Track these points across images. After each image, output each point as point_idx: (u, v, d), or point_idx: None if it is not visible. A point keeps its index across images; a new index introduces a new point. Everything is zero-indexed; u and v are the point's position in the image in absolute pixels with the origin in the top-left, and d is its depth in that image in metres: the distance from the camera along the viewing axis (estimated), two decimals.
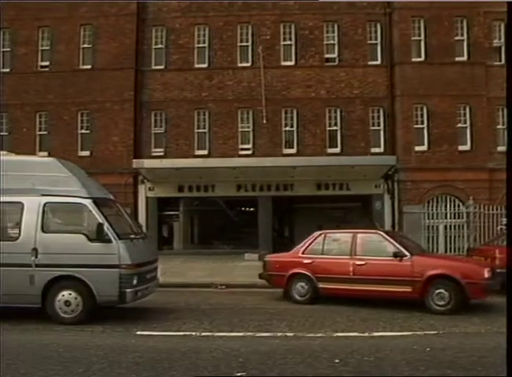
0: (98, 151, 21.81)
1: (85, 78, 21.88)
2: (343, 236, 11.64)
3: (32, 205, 9.13)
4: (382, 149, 21.75)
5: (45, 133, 22.23)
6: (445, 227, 19.32)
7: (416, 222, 19.62)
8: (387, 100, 21.69)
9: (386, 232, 11.93)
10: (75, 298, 8.84)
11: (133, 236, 9.65)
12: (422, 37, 21.54)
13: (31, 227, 9.04)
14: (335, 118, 21.96)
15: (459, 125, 21.32)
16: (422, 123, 21.40)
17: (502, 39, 21.03)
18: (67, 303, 8.85)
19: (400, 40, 21.50)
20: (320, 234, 11.93)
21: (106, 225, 8.91)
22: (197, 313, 9.88)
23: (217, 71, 22.19)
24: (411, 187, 20.95)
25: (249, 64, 22.15)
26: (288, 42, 22.19)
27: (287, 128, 22.03)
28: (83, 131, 22.20)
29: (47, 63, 22.42)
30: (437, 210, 20.20)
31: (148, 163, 20.57)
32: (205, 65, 22.35)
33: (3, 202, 9.18)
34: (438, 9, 21.12)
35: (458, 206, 20.62)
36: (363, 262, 10.72)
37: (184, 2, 22.32)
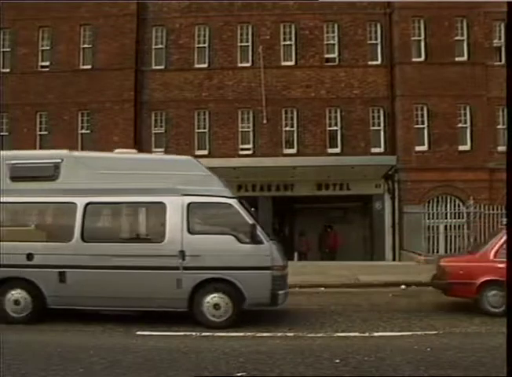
0: (98, 152, 21.75)
1: (85, 78, 21.88)
2: None
3: (175, 205, 8.75)
4: (382, 149, 21.75)
5: (45, 133, 22.21)
6: (445, 227, 19.32)
7: (416, 222, 19.61)
8: (387, 100, 21.68)
9: None
10: (225, 302, 8.52)
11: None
12: (422, 37, 21.53)
13: (176, 228, 8.66)
14: (335, 118, 21.95)
15: (459, 125, 21.33)
16: (423, 123, 21.40)
17: (503, 39, 21.00)
18: (216, 306, 8.51)
19: (400, 40, 21.50)
20: None
21: (258, 227, 8.62)
22: None
23: (217, 71, 22.19)
24: (411, 187, 20.95)
25: (249, 64, 22.15)
26: (288, 42, 22.18)
27: (287, 128, 22.02)
28: (83, 131, 22.20)
29: (47, 63, 22.41)
30: (437, 210, 20.20)
31: None
32: (205, 65, 22.35)
33: (145, 202, 8.98)
34: (438, 9, 21.10)
35: (459, 206, 20.63)
36: None
37: (184, 2, 22.31)
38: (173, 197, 8.80)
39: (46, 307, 8.81)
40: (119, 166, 9.25)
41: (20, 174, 9.16)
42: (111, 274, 8.58)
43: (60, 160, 9.23)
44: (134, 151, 10.80)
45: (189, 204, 8.78)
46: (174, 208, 8.75)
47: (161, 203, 8.82)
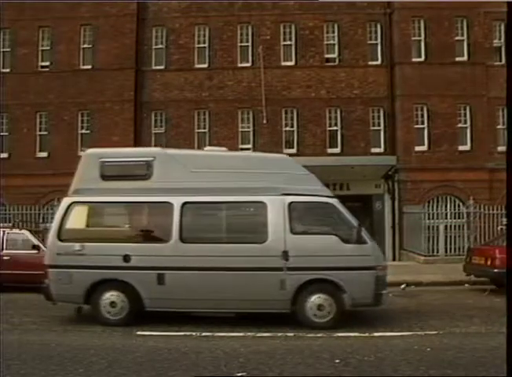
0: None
1: (85, 79, 21.88)
2: None
3: (276, 205, 8.59)
4: (382, 149, 21.75)
5: (45, 133, 22.22)
6: (445, 227, 19.29)
7: (416, 222, 19.59)
8: (387, 100, 21.69)
9: None
10: (329, 302, 8.41)
11: None
12: (423, 37, 21.54)
13: (278, 228, 8.48)
14: (335, 118, 21.96)
15: (459, 125, 21.33)
16: (423, 123, 21.40)
17: (503, 39, 21.01)
18: (320, 307, 8.40)
19: (401, 40, 21.51)
20: None
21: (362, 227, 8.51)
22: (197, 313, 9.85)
23: (217, 71, 22.20)
24: (411, 187, 20.94)
25: (249, 64, 22.16)
26: (288, 42, 22.19)
27: (287, 128, 22.03)
28: (83, 131, 22.19)
29: (47, 63, 22.42)
30: (437, 210, 20.17)
31: None
32: (205, 65, 22.36)
33: (245, 202, 8.79)
34: (438, 9, 21.11)
35: (459, 206, 20.63)
36: None
37: (184, 2, 22.32)
38: (273, 196, 8.64)
39: (143, 310, 8.66)
40: (214, 164, 9.09)
41: (111, 173, 8.97)
42: (211, 276, 8.43)
43: (152, 158, 9.01)
44: (225, 149, 10.55)
45: (290, 204, 8.63)
46: (275, 208, 8.60)
47: (261, 203, 8.65)
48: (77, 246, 8.68)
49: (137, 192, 8.83)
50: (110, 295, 8.64)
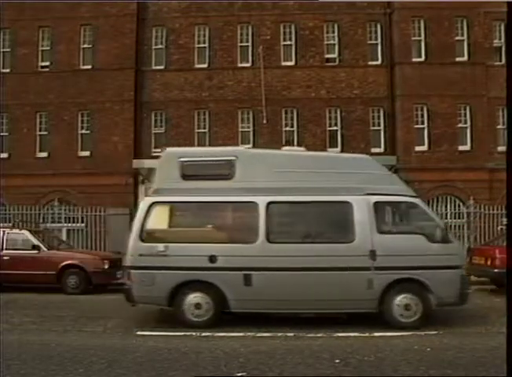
0: (98, 152, 21.77)
1: (85, 79, 21.87)
2: None
3: (361, 205, 8.57)
4: (382, 149, 21.74)
5: (45, 133, 22.20)
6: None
7: None
8: (387, 100, 21.68)
9: None
10: (415, 302, 8.40)
11: None
12: (423, 37, 21.53)
13: (365, 228, 8.47)
14: (335, 118, 21.96)
15: (459, 125, 21.32)
16: (423, 123, 21.40)
17: (503, 39, 21.00)
18: (407, 307, 8.40)
19: (401, 40, 21.50)
20: None
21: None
22: None
23: (217, 71, 22.19)
24: (411, 187, 20.87)
25: (249, 64, 22.15)
26: (288, 42, 22.18)
27: (287, 128, 22.02)
28: (83, 131, 22.18)
29: (47, 63, 22.40)
30: (437, 210, 20.15)
31: (148, 163, 20.50)
32: (205, 65, 22.34)
33: (330, 201, 8.71)
34: (438, 9, 21.10)
35: (459, 206, 20.62)
36: None
37: (184, 2, 22.31)
38: (358, 196, 8.61)
39: (228, 311, 8.59)
40: (297, 164, 9.04)
41: (192, 172, 8.87)
42: (299, 276, 8.36)
43: (234, 157, 8.92)
44: (303, 149, 10.48)
45: (375, 203, 8.63)
46: (361, 207, 8.57)
47: (347, 203, 8.61)
48: (160, 247, 8.58)
49: (220, 191, 8.74)
50: (194, 297, 8.54)
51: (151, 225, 8.85)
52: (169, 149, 9.84)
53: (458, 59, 21.41)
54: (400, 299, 8.41)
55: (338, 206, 8.76)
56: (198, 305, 8.55)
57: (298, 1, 21.99)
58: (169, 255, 8.52)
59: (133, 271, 8.67)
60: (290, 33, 22.18)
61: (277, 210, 8.81)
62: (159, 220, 9.00)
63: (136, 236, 8.73)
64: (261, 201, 8.62)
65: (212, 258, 8.47)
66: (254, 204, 8.64)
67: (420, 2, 20.94)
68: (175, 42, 22.32)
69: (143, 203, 9.05)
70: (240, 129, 22.10)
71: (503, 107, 19.75)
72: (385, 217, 8.84)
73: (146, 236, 8.77)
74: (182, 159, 8.97)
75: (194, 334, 8.06)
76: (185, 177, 8.88)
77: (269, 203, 8.63)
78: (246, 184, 8.72)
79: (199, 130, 22.16)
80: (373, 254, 8.36)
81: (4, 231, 14.30)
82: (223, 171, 8.85)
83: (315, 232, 8.94)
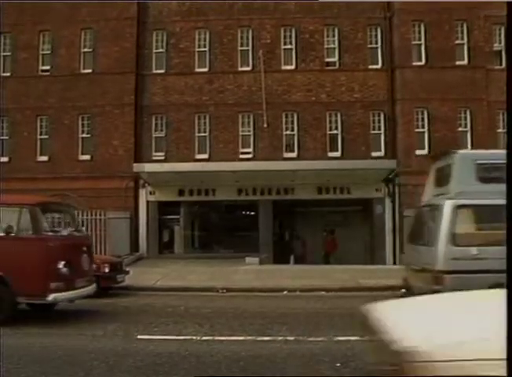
0: (99, 155, 21.80)
1: (85, 82, 21.92)
2: None
3: None
4: (382, 153, 21.76)
5: (45, 137, 22.24)
6: None
7: None
8: (388, 104, 21.72)
9: None
10: None
11: None
12: (423, 41, 21.59)
13: None
14: (336, 122, 21.97)
15: (460, 129, 21.35)
16: (423, 127, 21.42)
17: (503, 43, 21.02)
18: None
19: (401, 44, 21.55)
20: None
21: None
22: (198, 317, 9.84)
23: (217, 75, 22.22)
24: (411, 190, 20.85)
25: (249, 68, 22.19)
26: (289, 46, 22.23)
27: (288, 132, 22.04)
28: (84, 135, 22.22)
29: (48, 67, 22.48)
30: None
31: (148, 167, 20.56)
32: (205, 69, 22.38)
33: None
34: (438, 13, 21.16)
35: None
36: None
37: (184, 6, 22.36)
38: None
39: None
40: None
41: (491, 175, 8.75)
42: None
43: None
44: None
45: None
46: None
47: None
48: (474, 250, 8.60)
49: None
50: None
51: (460, 228, 8.88)
52: (461, 152, 9.92)
53: (458, 63, 21.45)
54: None
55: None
56: None
57: (298, 1, 21.96)
58: (483, 259, 8.46)
59: (446, 275, 8.65)
60: (291, 37, 22.22)
61: None
62: (465, 223, 9.04)
63: (446, 240, 8.78)
64: None
65: None
66: None
67: (420, 6, 20.97)
68: (175, 45, 22.36)
69: (446, 207, 9.02)
70: (241, 133, 22.11)
71: (503, 111, 19.51)
72: None
73: (457, 239, 8.80)
74: (478, 162, 9.07)
75: (194, 338, 8.03)
76: (483, 179, 8.94)
77: None
78: None
79: (200, 134, 22.17)
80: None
81: None
82: None
83: None
